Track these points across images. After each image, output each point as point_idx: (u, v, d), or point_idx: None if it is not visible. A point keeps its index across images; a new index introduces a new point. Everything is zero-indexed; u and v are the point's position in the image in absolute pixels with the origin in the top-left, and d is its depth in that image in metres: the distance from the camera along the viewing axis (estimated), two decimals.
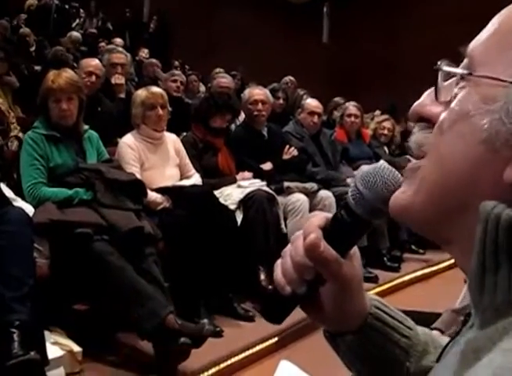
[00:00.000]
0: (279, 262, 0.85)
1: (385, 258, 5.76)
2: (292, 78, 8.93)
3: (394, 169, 0.80)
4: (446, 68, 0.67)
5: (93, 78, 5.28)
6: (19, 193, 3.62)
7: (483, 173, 0.59)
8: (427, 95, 0.70)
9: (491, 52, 0.62)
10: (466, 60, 0.66)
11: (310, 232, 0.81)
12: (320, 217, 0.84)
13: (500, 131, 0.58)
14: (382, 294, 5.19)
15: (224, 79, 6.97)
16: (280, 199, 4.79)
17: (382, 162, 0.83)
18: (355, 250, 0.87)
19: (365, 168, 0.84)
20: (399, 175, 0.78)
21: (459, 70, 0.65)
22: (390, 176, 0.80)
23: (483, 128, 0.59)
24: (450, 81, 0.67)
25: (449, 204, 0.63)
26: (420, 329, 0.95)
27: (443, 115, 0.65)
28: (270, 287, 0.86)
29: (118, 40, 10.64)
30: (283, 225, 4.72)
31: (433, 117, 0.67)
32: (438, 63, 0.67)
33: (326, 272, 0.81)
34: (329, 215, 0.85)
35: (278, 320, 0.86)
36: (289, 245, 0.84)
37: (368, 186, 0.81)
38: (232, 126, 6.21)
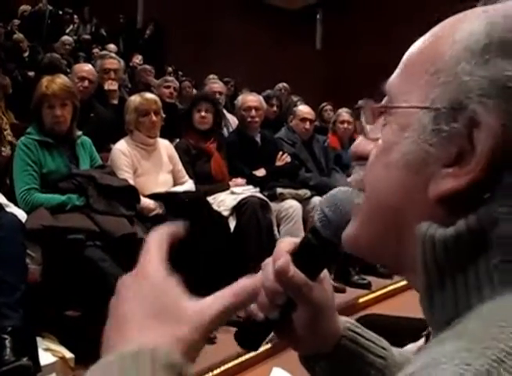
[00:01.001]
0: None
1: (378, 265, 5.75)
2: (286, 85, 8.95)
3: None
4: (364, 105, 0.73)
5: (86, 83, 5.27)
6: (11, 198, 3.61)
7: (412, 196, 0.62)
8: (362, 136, 0.74)
9: (403, 84, 0.66)
10: (386, 97, 0.70)
11: (279, 257, 0.82)
12: (289, 242, 0.85)
13: (417, 152, 0.61)
14: (375, 300, 5.20)
15: (216, 84, 6.98)
16: (273, 205, 4.79)
17: (348, 188, 0.84)
18: (325, 273, 0.87)
19: (331, 192, 0.86)
20: None
21: (375, 105, 0.70)
22: (351, 200, 0.81)
23: (402, 153, 0.62)
24: (379, 118, 0.70)
25: (389, 232, 0.65)
26: (395, 350, 0.95)
27: (373, 151, 0.69)
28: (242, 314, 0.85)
29: (112, 46, 10.64)
30: (276, 232, 4.72)
31: (366, 153, 0.70)
32: (359, 102, 0.73)
33: (296, 297, 0.83)
34: (298, 240, 0.86)
35: (253, 347, 0.86)
36: (260, 272, 0.84)
37: (333, 209, 0.83)
38: (225, 132, 6.23)
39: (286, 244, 0.85)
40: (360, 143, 0.73)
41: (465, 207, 0.57)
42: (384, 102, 0.70)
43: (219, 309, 0.65)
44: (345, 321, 0.92)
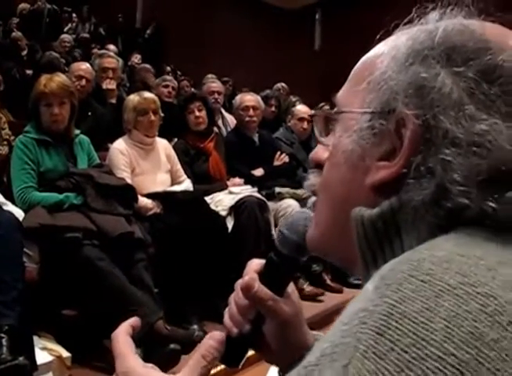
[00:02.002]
0: (227, 309, 0.95)
1: None
2: (284, 85, 8.94)
3: (310, 212, 0.90)
4: (316, 112, 0.85)
5: (83, 82, 5.27)
6: (9, 197, 3.61)
7: (353, 190, 0.71)
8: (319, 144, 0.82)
9: (348, 94, 0.76)
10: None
11: (246, 275, 0.92)
12: (257, 262, 0.95)
13: (355, 150, 0.70)
14: None
15: (214, 84, 6.98)
16: (271, 205, 4.79)
17: (303, 209, 0.98)
18: (293, 288, 0.97)
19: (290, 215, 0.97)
20: None
21: (322, 112, 0.84)
22: (306, 217, 0.91)
23: (344, 152, 0.72)
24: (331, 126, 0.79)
25: (339, 226, 0.73)
26: None
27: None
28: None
29: (112, 47, 10.59)
30: (273, 232, 4.72)
31: (322, 161, 0.79)
32: (313, 111, 0.79)
33: (263, 310, 0.92)
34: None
35: (234, 363, 0.94)
36: (234, 292, 0.94)
37: (289, 227, 0.92)
38: (224, 131, 6.22)
39: (254, 264, 0.95)
40: (317, 151, 0.82)
41: (392, 191, 0.65)
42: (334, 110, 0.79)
43: (196, 374, 0.76)
44: (315, 334, 1.00)
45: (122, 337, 0.82)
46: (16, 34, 9.58)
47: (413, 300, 0.50)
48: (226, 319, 0.93)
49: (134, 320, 0.86)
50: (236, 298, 0.93)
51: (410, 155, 0.64)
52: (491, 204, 0.59)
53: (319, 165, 0.80)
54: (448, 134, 0.61)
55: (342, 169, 0.72)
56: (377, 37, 0.77)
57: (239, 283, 0.93)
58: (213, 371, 3.02)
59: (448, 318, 0.48)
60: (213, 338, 0.78)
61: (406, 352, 0.47)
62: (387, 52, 0.71)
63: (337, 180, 0.73)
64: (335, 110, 0.77)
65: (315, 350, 0.54)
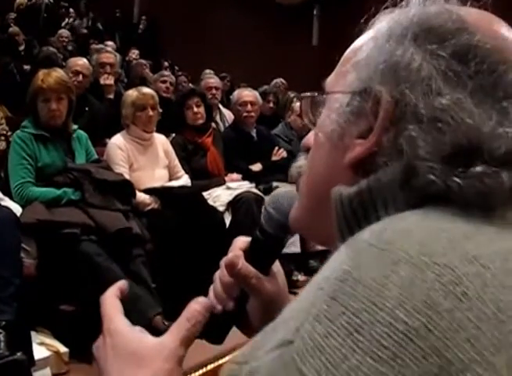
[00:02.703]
0: (211, 286, 0.95)
1: None
2: (283, 81, 8.91)
3: (295, 191, 0.90)
4: (304, 95, 0.83)
5: (80, 78, 5.26)
6: (6, 192, 3.61)
7: (333, 167, 0.71)
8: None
9: (334, 77, 0.77)
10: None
11: (231, 253, 0.93)
12: (242, 240, 0.96)
13: (335, 129, 0.70)
14: None
15: (212, 79, 6.96)
16: None
17: (288, 188, 0.98)
18: (279, 268, 0.98)
19: (274, 192, 0.97)
20: None
21: (307, 94, 0.81)
22: (291, 196, 0.90)
23: (325, 132, 0.72)
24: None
25: (321, 206, 0.72)
26: None
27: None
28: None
29: (110, 43, 10.56)
30: None
31: (311, 145, 0.79)
32: (301, 95, 0.83)
33: (247, 288, 0.93)
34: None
35: (217, 340, 0.95)
36: (219, 269, 0.95)
37: (274, 206, 0.92)
38: (221, 127, 6.22)
39: (240, 242, 0.95)
40: (309, 137, 0.83)
41: (369, 169, 0.66)
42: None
43: (180, 336, 0.74)
44: None
45: (110, 299, 0.82)
46: (14, 29, 9.55)
47: (370, 267, 0.50)
48: (211, 296, 0.93)
49: (121, 283, 0.87)
50: (221, 275, 0.94)
51: (381, 132, 0.65)
52: (456, 179, 0.59)
53: (308, 150, 0.80)
54: (413, 109, 0.62)
55: (324, 149, 0.73)
56: (362, 21, 0.78)
57: (223, 261, 0.93)
58: (205, 370, 2.97)
59: (403, 286, 0.48)
60: (198, 303, 0.78)
61: (357, 316, 0.47)
62: (370, 35, 0.73)
63: (319, 160, 0.74)
64: (320, 92, 0.79)
65: (277, 316, 0.56)
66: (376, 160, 0.65)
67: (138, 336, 0.75)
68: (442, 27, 0.66)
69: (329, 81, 0.78)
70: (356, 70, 0.70)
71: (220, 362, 3.51)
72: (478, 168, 0.59)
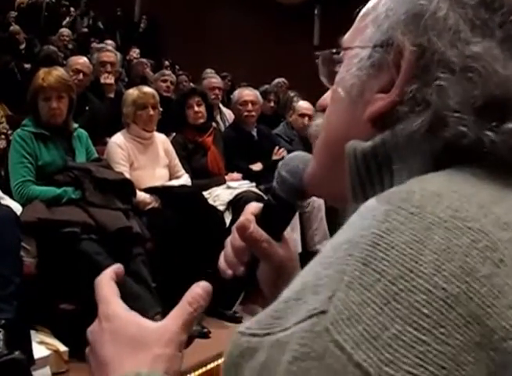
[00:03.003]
0: (223, 251, 0.94)
1: None
2: (284, 80, 8.90)
3: (311, 155, 0.88)
4: (318, 53, 0.80)
5: (81, 76, 5.26)
6: (7, 191, 3.60)
7: (351, 123, 0.69)
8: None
9: (352, 33, 0.75)
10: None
11: (243, 217, 0.91)
12: (255, 205, 0.94)
13: (355, 84, 0.68)
14: None
15: (214, 79, 6.96)
16: None
17: (302, 152, 0.93)
18: (290, 235, 0.97)
19: (289, 155, 0.94)
20: None
21: (326, 52, 0.78)
22: (306, 160, 0.87)
23: (344, 86, 0.70)
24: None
25: (336, 160, 0.70)
26: None
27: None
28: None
29: (109, 42, 10.56)
30: None
31: (328, 104, 0.78)
32: (317, 53, 0.80)
33: (257, 252, 0.91)
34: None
35: (228, 306, 0.94)
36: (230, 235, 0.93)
37: (287, 169, 0.90)
38: (222, 126, 6.22)
39: (252, 207, 0.94)
40: (325, 97, 0.80)
41: (388, 123, 0.63)
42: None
43: (181, 320, 0.71)
44: None
45: (105, 282, 0.80)
46: (14, 27, 9.54)
47: (402, 231, 0.48)
48: (221, 261, 0.92)
49: (117, 266, 0.84)
50: (232, 240, 0.92)
51: (404, 85, 0.62)
52: (489, 133, 0.57)
53: (324, 109, 0.78)
54: (443, 60, 0.60)
55: (343, 104, 0.70)
56: None
57: (235, 225, 0.92)
58: (205, 369, 2.97)
59: (439, 251, 0.47)
60: (200, 286, 0.75)
61: (393, 283, 0.46)
62: None
63: (337, 116, 0.72)
64: (338, 49, 0.76)
65: (295, 284, 0.53)
66: (397, 114, 0.63)
67: (138, 320, 0.72)
68: None
69: (347, 37, 0.76)
70: (376, 24, 0.68)
71: (220, 361, 3.51)
72: None
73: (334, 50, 0.77)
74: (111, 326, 0.72)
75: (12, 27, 9.58)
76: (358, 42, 0.70)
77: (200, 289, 0.74)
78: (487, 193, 0.54)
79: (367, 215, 0.52)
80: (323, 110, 0.79)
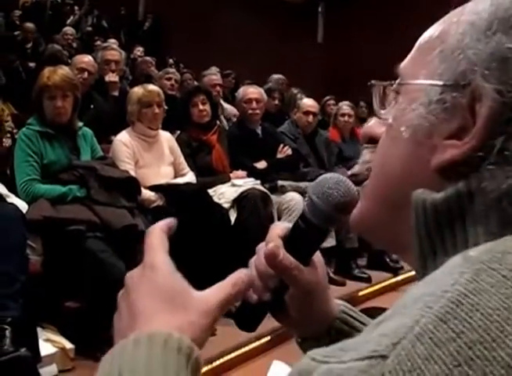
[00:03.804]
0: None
1: (387, 260, 5.66)
2: (282, 77, 8.79)
3: (345, 178, 0.85)
4: (376, 83, 0.75)
5: (85, 75, 5.26)
6: (12, 189, 3.62)
7: (414, 168, 0.64)
8: (375, 117, 0.75)
9: (413, 64, 0.69)
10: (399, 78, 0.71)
11: (270, 242, 0.85)
12: (281, 227, 0.88)
13: (422, 125, 0.63)
14: (375, 294, 5.20)
15: (214, 76, 6.97)
16: (274, 198, 4.79)
17: (335, 174, 0.88)
18: (319, 258, 0.90)
19: (319, 178, 0.88)
20: (350, 183, 0.84)
21: (385, 83, 0.74)
22: (340, 185, 0.84)
23: (408, 126, 0.64)
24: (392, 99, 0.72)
25: (391, 206, 0.67)
26: None
27: (384, 132, 0.71)
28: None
29: (112, 40, 10.56)
30: None
31: (378, 136, 0.72)
32: (373, 82, 0.75)
33: (287, 280, 0.85)
34: (290, 225, 0.89)
35: (250, 328, 0.90)
36: (255, 256, 0.88)
37: (319, 195, 0.84)
38: (224, 123, 6.22)
39: (278, 228, 0.88)
40: (372, 125, 0.75)
41: (460, 174, 0.59)
42: (396, 82, 0.72)
43: (222, 297, 0.68)
44: (340, 304, 0.95)
45: (157, 232, 0.74)
46: (28, 25, 9.55)
47: (491, 295, 0.45)
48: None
49: (171, 220, 0.79)
50: (257, 263, 0.86)
51: (485, 135, 0.57)
52: None
53: (372, 140, 0.74)
54: None
55: (404, 145, 0.65)
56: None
57: (261, 249, 0.87)
58: (210, 366, 2.98)
59: None
60: (243, 273, 0.71)
61: (470, 348, 0.42)
62: (464, 18, 0.63)
63: (396, 156, 0.66)
64: (399, 80, 0.70)
65: (369, 327, 0.50)
66: (470, 167, 0.58)
67: (180, 281, 0.70)
68: None
69: (407, 68, 0.70)
70: (449, 60, 0.62)
71: (225, 358, 3.52)
72: None
73: (392, 83, 0.72)
74: (154, 276, 0.68)
75: (26, 24, 9.60)
76: (423, 77, 0.65)
77: (244, 275, 0.71)
78: None
79: (454, 270, 0.49)
80: (369, 140, 0.75)
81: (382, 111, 0.73)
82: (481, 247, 0.52)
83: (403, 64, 0.71)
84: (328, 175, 0.88)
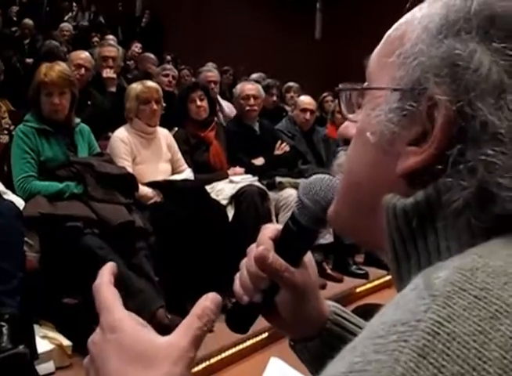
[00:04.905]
0: (238, 274, 0.89)
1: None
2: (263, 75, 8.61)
3: (335, 179, 0.84)
4: (342, 86, 0.75)
5: (82, 71, 5.24)
6: (9, 186, 3.61)
7: (381, 174, 0.64)
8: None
9: (378, 65, 0.68)
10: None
11: (261, 244, 0.86)
12: (272, 229, 0.89)
13: (384, 133, 0.63)
14: (372, 290, 5.21)
15: (210, 72, 6.96)
16: (272, 194, 4.79)
17: (324, 175, 0.88)
18: (310, 259, 0.91)
19: (308, 179, 0.89)
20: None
21: (349, 87, 0.74)
22: (329, 186, 0.84)
23: (372, 133, 0.64)
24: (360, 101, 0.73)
25: (361, 209, 0.68)
26: None
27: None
28: (232, 299, 0.90)
29: (110, 37, 10.55)
30: (274, 221, 4.71)
31: (350, 136, 0.72)
32: (340, 86, 0.75)
33: (278, 281, 0.86)
34: (281, 227, 0.89)
35: (242, 330, 0.90)
36: (246, 258, 0.88)
37: (308, 196, 0.85)
38: (221, 119, 6.21)
39: (269, 230, 0.89)
40: (346, 126, 0.76)
41: (426, 180, 0.59)
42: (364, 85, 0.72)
43: (191, 334, 0.65)
44: (331, 305, 0.95)
45: (105, 287, 0.72)
46: (26, 21, 9.54)
47: (465, 320, 0.44)
48: (237, 286, 0.88)
49: (110, 266, 0.78)
50: (248, 265, 0.87)
51: (443, 143, 0.57)
52: None
53: (347, 141, 0.74)
54: (488, 127, 0.54)
55: (371, 151, 0.65)
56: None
57: (252, 250, 0.87)
58: (208, 363, 2.98)
59: (505, 346, 0.42)
60: (209, 299, 0.68)
61: None
62: (418, 21, 0.63)
63: (364, 161, 0.67)
64: (364, 85, 0.71)
65: (343, 361, 0.47)
66: (433, 173, 0.58)
67: (145, 335, 0.66)
68: (509, 15, 0.57)
69: (372, 70, 0.70)
70: (405, 65, 0.62)
71: (223, 355, 3.52)
72: None
73: (358, 87, 0.73)
74: (117, 338, 0.65)
75: (25, 20, 9.60)
76: (386, 81, 0.65)
77: (208, 302, 0.68)
78: None
79: (425, 293, 0.47)
80: (345, 141, 0.75)
81: (350, 115, 0.74)
82: (449, 263, 0.51)
83: (370, 64, 0.71)
84: (318, 176, 0.88)
